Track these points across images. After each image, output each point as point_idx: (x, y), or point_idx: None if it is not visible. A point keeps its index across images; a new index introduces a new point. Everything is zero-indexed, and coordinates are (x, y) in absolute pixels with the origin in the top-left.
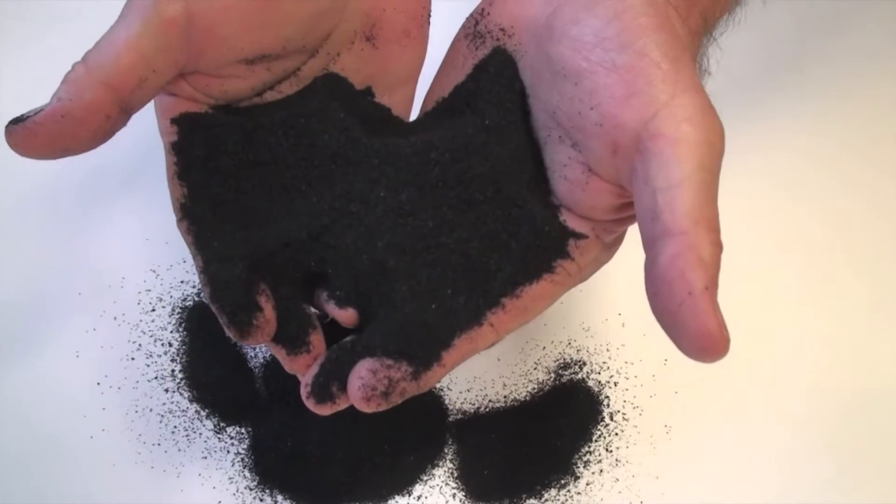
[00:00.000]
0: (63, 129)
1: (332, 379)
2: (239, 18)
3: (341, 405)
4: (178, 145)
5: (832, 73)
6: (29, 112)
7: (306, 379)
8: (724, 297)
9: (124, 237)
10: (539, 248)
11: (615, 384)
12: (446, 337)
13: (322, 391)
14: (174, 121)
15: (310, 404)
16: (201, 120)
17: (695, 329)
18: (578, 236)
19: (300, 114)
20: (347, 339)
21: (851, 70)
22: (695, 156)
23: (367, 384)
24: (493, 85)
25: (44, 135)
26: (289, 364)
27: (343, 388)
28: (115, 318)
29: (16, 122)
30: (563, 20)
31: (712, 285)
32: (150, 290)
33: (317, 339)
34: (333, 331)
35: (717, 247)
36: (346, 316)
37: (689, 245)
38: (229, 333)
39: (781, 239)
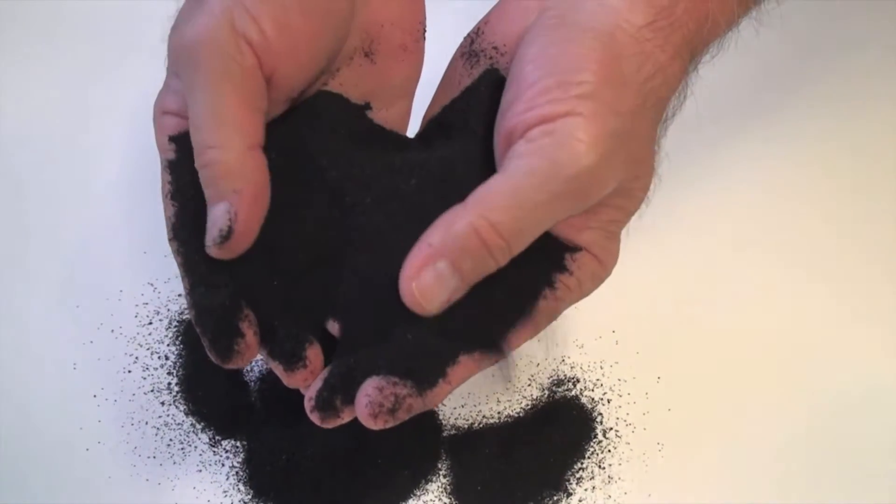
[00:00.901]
0: (257, 206)
1: (335, 393)
2: (297, 56)
3: (345, 418)
4: (174, 164)
5: (828, 94)
6: (222, 222)
7: (310, 393)
8: (722, 315)
9: (122, 250)
10: (538, 261)
11: (608, 401)
12: (452, 354)
13: (326, 405)
14: (172, 139)
15: (314, 418)
16: None
17: (406, 263)
18: (572, 249)
19: (297, 134)
20: (349, 355)
21: (846, 94)
22: (538, 170)
23: (375, 401)
24: (480, 105)
25: (254, 220)
26: (287, 379)
27: (347, 401)
28: (112, 331)
29: (224, 237)
30: (529, 36)
31: (446, 253)
32: (147, 304)
33: (313, 354)
34: (332, 345)
35: (480, 244)
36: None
37: (467, 219)
38: (211, 357)
39: (785, 255)
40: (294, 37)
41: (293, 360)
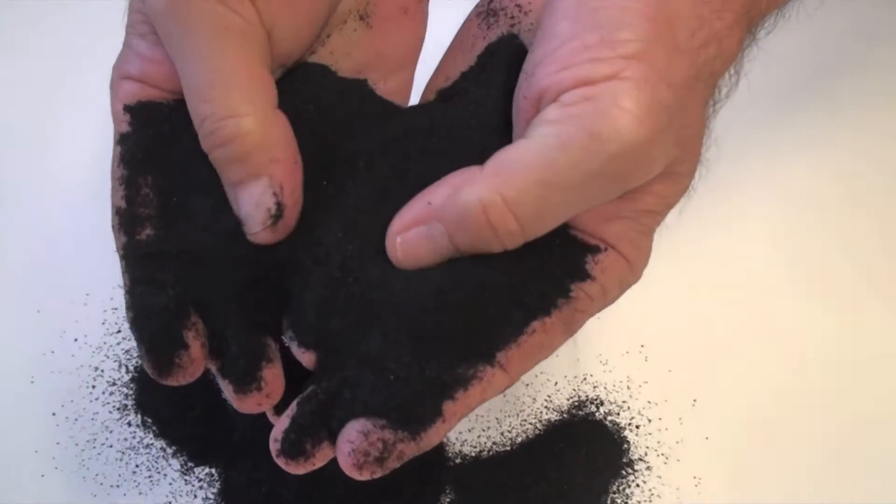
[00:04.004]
0: (299, 172)
1: (304, 435)
2: (295, 11)
3: (318, 463)
4: (127, 139)
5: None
6: (267, 201)
7: (275, 433)
8: (771, 331)
9: (90, 248)
10: (550, 263)
11: (636, 427)
12: (449, 384)
13: (295, 449)
14: (128, 109)
15: (281, 462)
16: (158, 111)
17: (398, 215)
18: (594, 250)
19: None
20: (321, 383)
21: None
22: (573, 143)
23: (359, 449)
24: (496, 78)
25: (300, 188)
26: (237, 402)
27: (319, 444)
28: (75, 340)
29: (277, 217)
30: None
31: (444, 219)
32: (116, 309)
33: (271, 375)
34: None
35: (481, 216)
36: (312, 360)
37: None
38: (146, 369)
39: (854, 268)
40: None
41: (246, 380)
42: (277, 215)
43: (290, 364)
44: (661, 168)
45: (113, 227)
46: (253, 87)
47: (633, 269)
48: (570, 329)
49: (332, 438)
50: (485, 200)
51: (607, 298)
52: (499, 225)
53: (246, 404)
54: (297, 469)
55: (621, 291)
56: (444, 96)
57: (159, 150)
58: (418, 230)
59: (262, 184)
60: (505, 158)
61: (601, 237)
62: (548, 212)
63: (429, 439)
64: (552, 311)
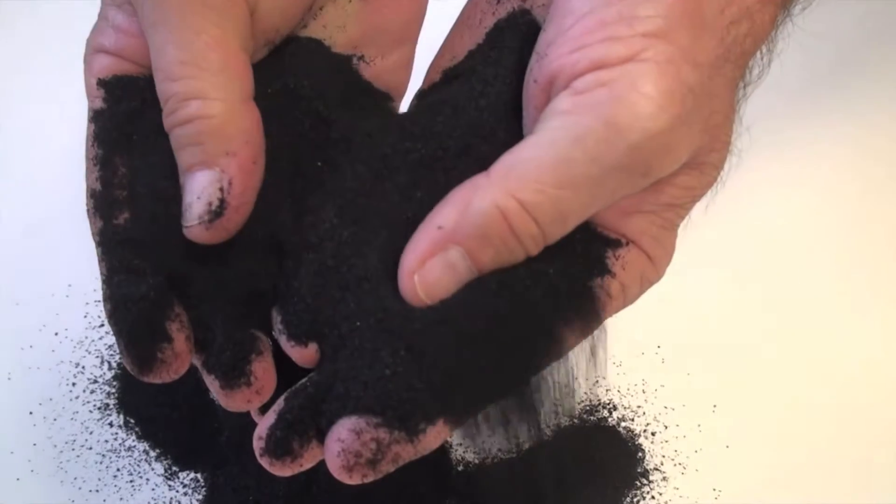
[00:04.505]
0: (255, 174)
1: (292, 432)
2: None
3: (306, 464)
4: (101, 116)
5: None
6: (210, 194)
7: (260, 429)
8: (797, 332)
9: (71, 236)
10: (568, 260)
11: (652, 434)
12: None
13: (280, 447)
14: (102, 84)
15: (265, 462)
16: (134, 85)
17: (408, 250)
18: (615, 244)
19: (281, 90)
20: (311, 376)
21: None
22: (588, 135)
23: (350, 449)
24: (506, 58)
25: (251, 191)
26: (224, 399)
27: (307, 442)
28: (56, 334)
29: (216, 214)
30: None
31: (461, 239)
32: (99, 302)
33: (261, 369)
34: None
35: (502, 225)
36: (302, 355)
37: (485, 195)
38: (126, 365)
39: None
40: None
41: (233, 374)
42: (217, 212)
43: (281, 363)
44: (687, 158)
45: (88, 211)
46: (226, 71)
47: (655, 267)
48: (587, 330)
49: (322, 437)
50: (501, 206)
51: (627, 297)
52: (521, 230)
53: (234, 401)
54: (283, 470)
55: (642, 291)
56: (450, 76)
57: (135, 128)
58: (435, 261)
59: (211, 175)
60: (514, 160)
61: (621, 232)
62: (568, 213)
63: (427, 442)
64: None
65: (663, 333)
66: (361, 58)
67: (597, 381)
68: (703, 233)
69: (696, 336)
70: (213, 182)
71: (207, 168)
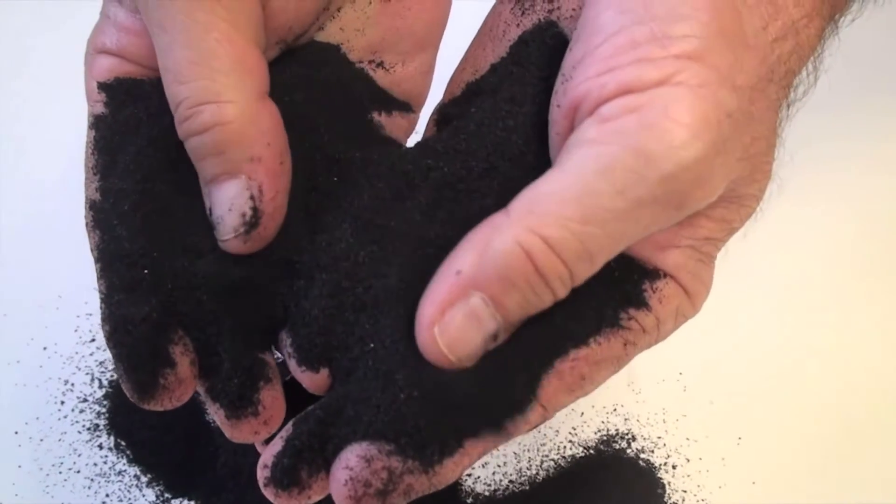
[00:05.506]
0: (284, 175)
1: (300, 461)
2: None
3: (314, 496)
4: (102, 122)
5: None
6: (242, 205)
7: (265, 457)
8: (826, 362)
9: (62, 246)
10: (603, 290)
11: (673, 467)
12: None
13: (287, 477)
14: (103, 87)
15: (269, 493)
16: (138, 89)
17: (425, 300)
18: (654, 276)
19: (294, 95)
20: (322, 401)
21: None
22: (616, 166)
23: (358, 477)
24: (530, 73)
25: (283, 194)
26: (229, 430)
27: (315, 472)
28: (45, 349)
29: (251, 225)
30: None
31: (482, 284)
32: (91, 315)
33: (270, 398)
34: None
35: (521, 264)
36: (313, 381)
37: (503, 232)
38: (125, 391)
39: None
40: None
41: (240, 403)
42: (252, 223)
43: (288, 387)
44: (723, 189)
45: (86, 223)
46: (239, 68)
47: (692, 302)
48: (618, 364)
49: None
50: (524, 243)
51: (660, 333)
52: (547, 269)
53: (240, 432)
54: (289, 502)
55: (676, 326)
56: (472, 91)
57: (137, 132)
58: (455, 311)
59: (239, 184)
60: (535, 194)
61: (658, 268)
62: (595, 250)
63: (444, 474)
64: (599, 341)
65: (685, 359)
66: (381, 64)
67: (614, 410)
68: (728, 257)
69: (720, 363)
70: (242, 191)
71: (233, 177)
